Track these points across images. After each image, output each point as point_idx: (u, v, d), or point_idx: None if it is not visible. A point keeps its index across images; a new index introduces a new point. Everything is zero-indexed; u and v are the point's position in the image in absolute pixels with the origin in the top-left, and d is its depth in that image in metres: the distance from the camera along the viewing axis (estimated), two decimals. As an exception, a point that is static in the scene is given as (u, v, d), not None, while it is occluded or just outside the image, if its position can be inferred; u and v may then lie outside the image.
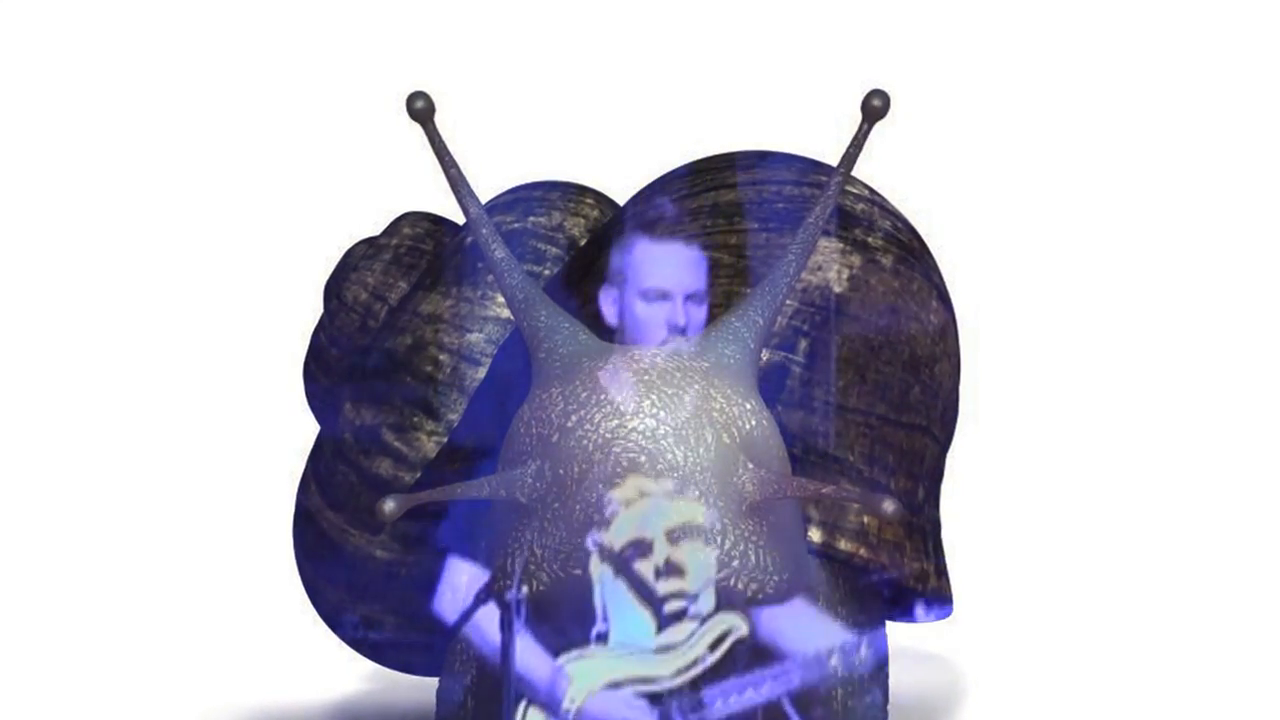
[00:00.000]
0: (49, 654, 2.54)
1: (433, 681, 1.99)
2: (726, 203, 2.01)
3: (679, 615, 1.61)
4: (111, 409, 3.07)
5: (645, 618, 1.61)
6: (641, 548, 1.61)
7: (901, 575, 1.91)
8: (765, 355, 1.88)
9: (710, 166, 2.08)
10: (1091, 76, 3.10)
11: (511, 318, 2.07)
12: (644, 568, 1.60)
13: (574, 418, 1.68)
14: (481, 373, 2.09)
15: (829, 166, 2.04)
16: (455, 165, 1.76)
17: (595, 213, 2.20)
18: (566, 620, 1.63)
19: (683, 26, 3.13)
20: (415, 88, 1.76)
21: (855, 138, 1.75)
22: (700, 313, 1.78)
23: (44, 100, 3.12)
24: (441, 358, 2.11)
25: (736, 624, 1.62)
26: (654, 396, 1.68)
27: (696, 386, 1.69)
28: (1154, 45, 3.10)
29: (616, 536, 1.61)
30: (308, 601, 2.27)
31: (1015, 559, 2.82)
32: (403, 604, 2.14)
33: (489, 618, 1.62)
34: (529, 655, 1.60)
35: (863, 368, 1.94)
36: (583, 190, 2.24)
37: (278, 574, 2.39)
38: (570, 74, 3.08)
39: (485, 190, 1.98)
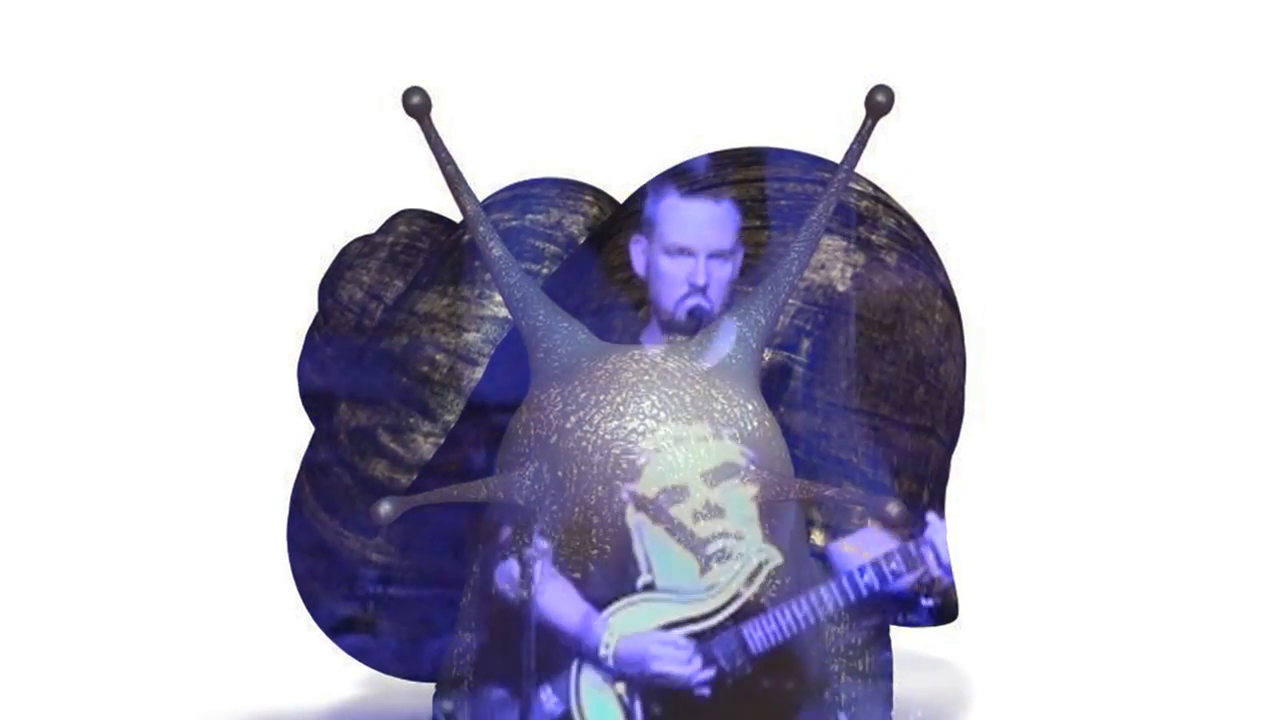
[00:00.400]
0: (42, 657, 2.54)
1: (427, 688, 1.99)
2: (728, 199, 2.01)
3: (723, 555, 1.62)
4: (100, 412, 3.07)
5: (688, 562, 1.62)
6: (677, 493, 1.62)
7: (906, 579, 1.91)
8: (767, 355, 1.88)
9: (711, 162, 2.08)
10: (1101, 70, 3.10)
11: (509, 317, 2.07)
12: (681, 512, 1.61)
13: (573, 418, 1.68)
14: (479, 373, 2.09)
15: (832, 163, 2.04)
16: (452, 161, 1.76)
17: (594, 210, 2.20)
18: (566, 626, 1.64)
19: (683, 20, 3.13)
20: (411, 82, 1.76)
21: (859, 134, 1.75)
22: (724, 270, 1.76)
23: (34, 98, 3.12)
24: (438, 358, 2.11)
25: (771, 554, 1.63)
26: (654, 397, 1.68)
27: (698, 387, 1.69)
28: (1162, 40, 3.10)
29: (650, 484, 1.62)
30: (302, 605, 2.27)
31: (1023, 563, 2.82)
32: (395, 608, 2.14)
33: (509, 572, 1.64)
34: (560, 600, 1.61)
35: (866, 368, 1.94)
36: (582, 187, 2.24)
37: (271, 578, 2.39)
38: (569, 68, 3.08)
39: (482, 187, 1.98)
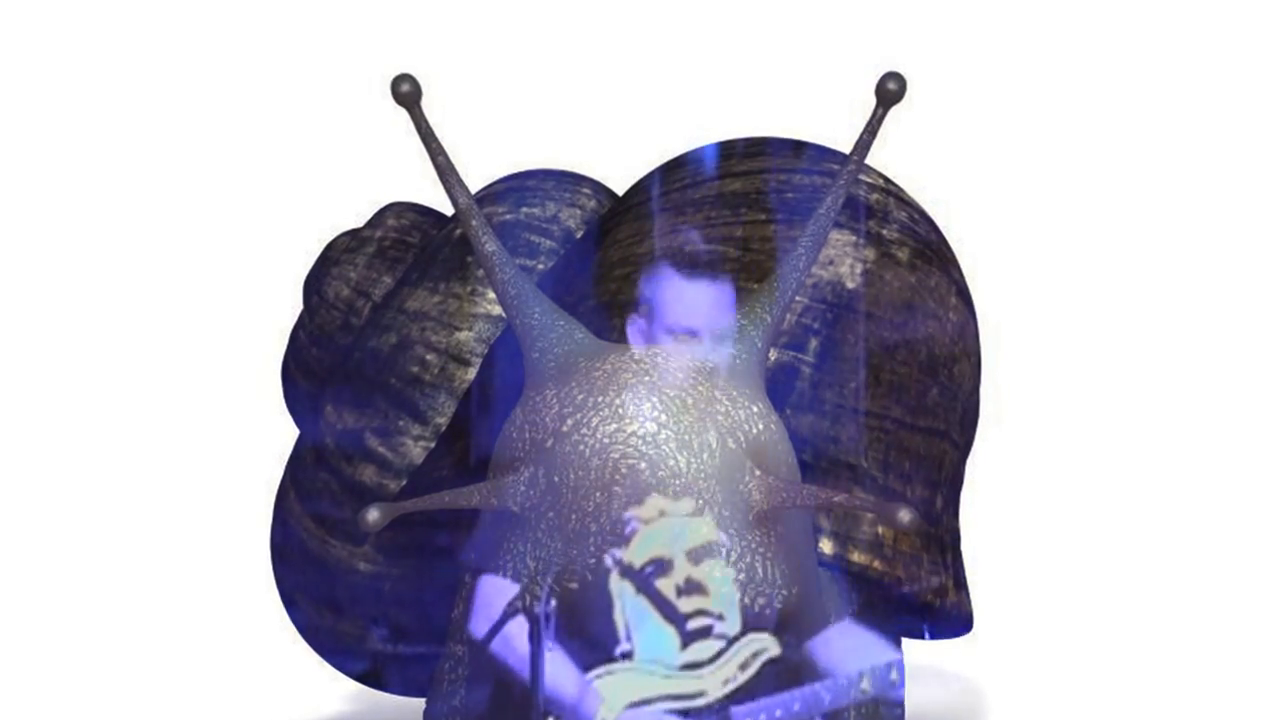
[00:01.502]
0: (19, 666, 2.54)
1: (415, 702, 1.99)
2: (731, 192, 2.01)
3: (704, 633, 1.65)
4: (74, 414, 3.07)
5: (669, 634, 1.65)
6: (662, 566, 1.65)
7: (918, 589, 1.91)
8: (773, 355, 1.88)
9: (714, 154, 2.08)
10: (1121, 55, 3.10)
11: (503, 315, 2.07)
12: (665, 586, 1.64)
13: (570, 421, 1.68)
14: (472, 373, 2.09)
15: (841, 154, 2.04)
16: (443, 152, 1.76)
17: (592, 203, 2.20)
18: (563, 637, 1.64)
19: (686, 4, 3.13)
20: (401, 70, 1.76)
21: (869, 123, 1.75)
22: (726, 349, 1.79)
23: (15, 90, 3.12)
24: (429, 357, 2.11)
25: (767, 644, 1.66)
26: (655, 399, 1.68)
27: (700, 388, 1.69)
28: (1184, 27, 3.10)
29: (637, 554, 1.64)
30: (286, 616, 2.27)
31: (1039, 572, 2.82)
32: (385, 618, 2.14)
33: (513, 631, 1.67)
34: (557, 669, 1.63)
35: (877, 368, 1.94)
36: (579, 179, 2.24)
37: (255, 588, 2.39)
38: (566, 56, 3.08)
39: (475, 179, 1.98)
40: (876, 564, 1.88)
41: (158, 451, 3.03)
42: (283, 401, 2.32)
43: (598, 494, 1.65)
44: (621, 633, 1.65)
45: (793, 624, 1.68)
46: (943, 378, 1.99)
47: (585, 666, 1.65)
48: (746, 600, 1.65)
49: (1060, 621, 2.75)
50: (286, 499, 2.23)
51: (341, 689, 2.40)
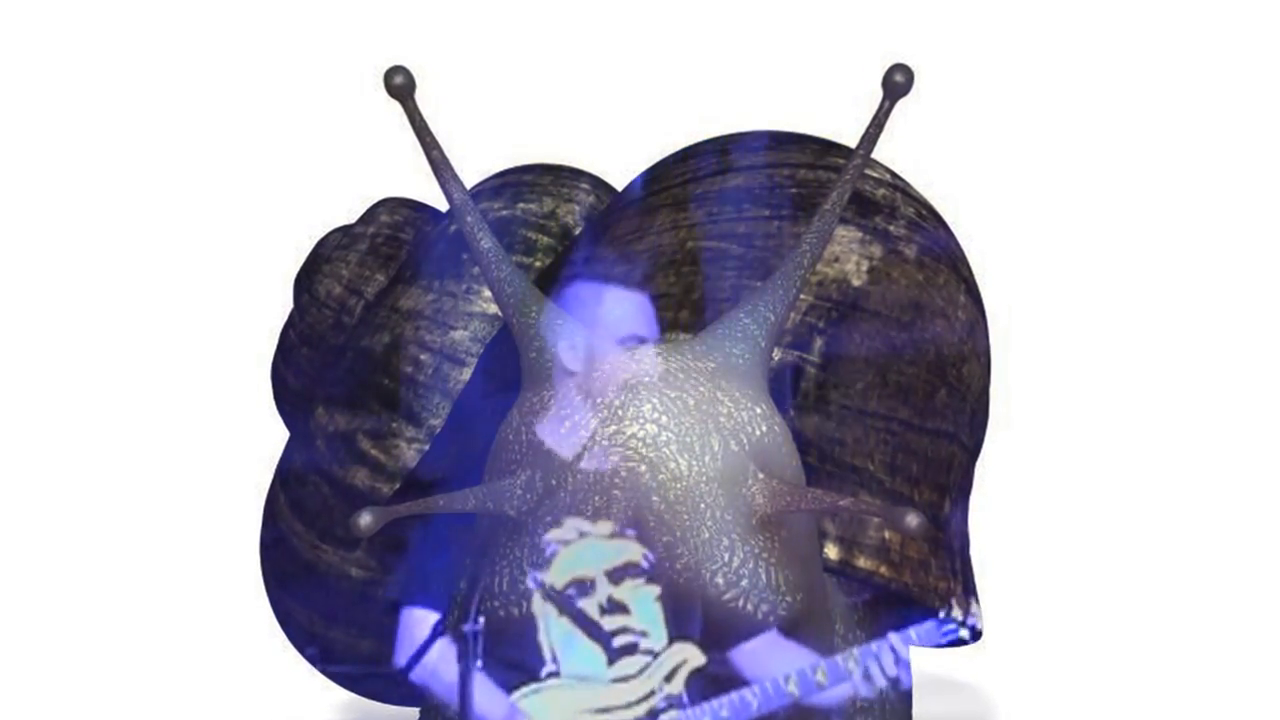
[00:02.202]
0: (9, 669, 2.54)
1: (409, 712, 1.99)
2: (734, 188, 2.01)
3: (629, 649, 1.68)
4: (58, 415, 3.07)
5: (594, 652, 1.68)
6: (583, 587, 1.68)
7: (926, 595, 1.91)
8: (777, 355, 1.88)
9: (716, 148, 2.08)
10: (1135, 45, 3.10)
11: (499, 313, 2.07)
12: (588, 605, 1.68)
13: (567, 423, 1.68)
14: (466, 373, 2.09)
15: (847, 148, 2.04)
16: (438, 146, 1.76)
17: (590, 198, 2.20)
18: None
19: (686, -5, 3.13)
20: (394, 62, 1.76)
21: (876, 116, 1.75)
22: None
23: (5, 88, 3.13)
24: (422, 357, 2.12)
25: (691, 654, 1.69)
26: (655, 400, 1.68)
27: (702, 389, 1.69)
28: (1199, 26, 3.10)
29: (558, 576, 1.67)
30: (276, 625, 2.27)
31: (1049, 578, 2.82)
32: (378, 627, 2.14)
33: (446, 655, 1.71)
34: (484, 692, 1.67)
35: (884, 368, 1.94)
36: (577, 174, 2.24)
37: (244, 594, 2.39)
38: (563, 48, 3.08)
39: (470, 174, 1.98)
40: (883, 569, 1.88)
41: (144, 454, 3.03)
42: (272, 403, 2.32)
43: (596, 497, 1.65)
44: (547, 653, 1.68)
45: (798, 630, 1.69)
46: (951, 378, 1.99)
47: (509, 687, 1.68)
48: (750, 606, 1.65)
49: (1071, 629, 2.75)
50: (276, 503, 2.23)
51: (333, 698, 2.40)
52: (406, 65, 1.75)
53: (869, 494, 1.89)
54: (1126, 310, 3.08)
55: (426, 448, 2.09)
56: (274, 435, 2.30)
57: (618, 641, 1.68)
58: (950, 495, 2.00)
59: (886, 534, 1.89)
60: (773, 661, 1.72)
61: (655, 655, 1.68)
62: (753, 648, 1.71)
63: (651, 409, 1.67)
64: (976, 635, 2.04)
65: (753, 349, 1.72)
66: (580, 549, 1.67)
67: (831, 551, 1.86)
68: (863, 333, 1.93)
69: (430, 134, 1.76)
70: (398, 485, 2.10)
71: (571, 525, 1.67)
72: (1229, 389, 3.06)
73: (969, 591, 2.00)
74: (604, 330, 1.76)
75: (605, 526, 1.66)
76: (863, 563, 1.87)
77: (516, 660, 1.68)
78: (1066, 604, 2.81)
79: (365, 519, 1.65)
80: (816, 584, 1.74)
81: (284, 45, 3.09)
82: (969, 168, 2.85)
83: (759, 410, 1.70)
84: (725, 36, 3.09)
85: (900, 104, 1.75)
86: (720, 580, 1.65)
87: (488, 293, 2.09)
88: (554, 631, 1.68)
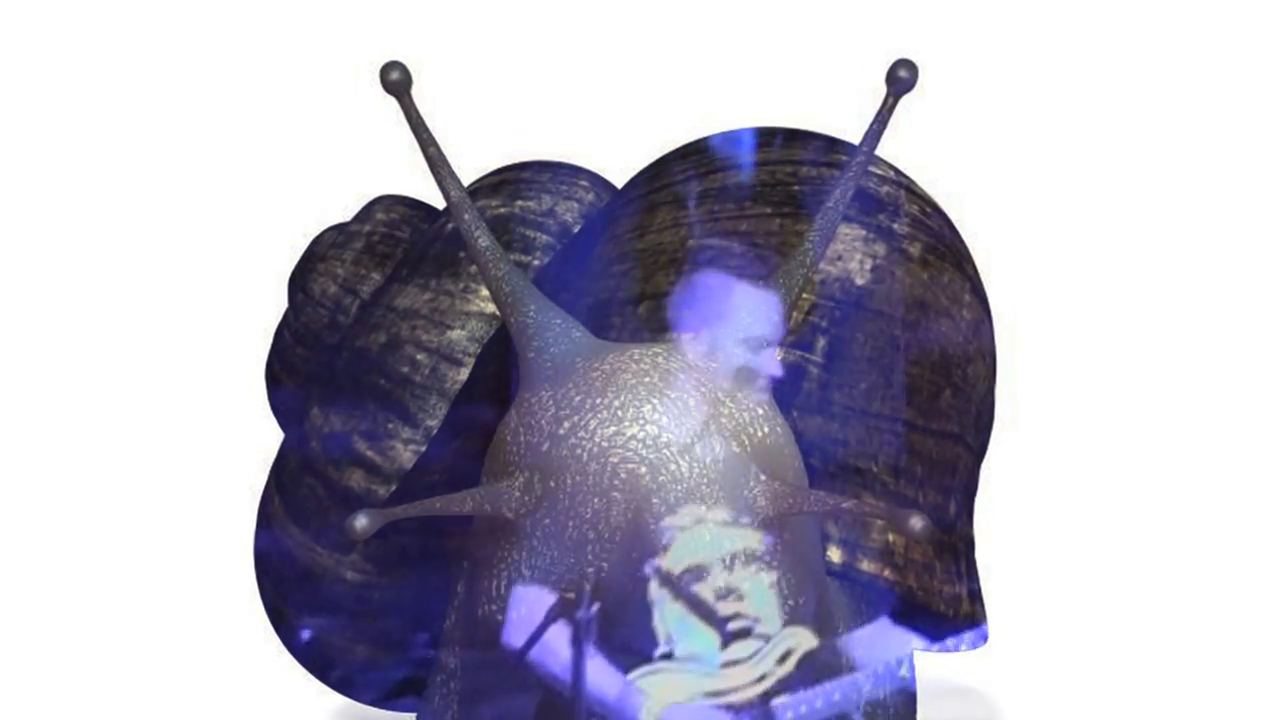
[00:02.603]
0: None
1: (405, 717, 1.99)
2: (736, 185, 2.01)
3: (743, 634, 1.68)
4: (47, 416, 3.07)
5: (709, 636, 1.68)
6: (699, 572, 1.67)
7: (931, 599, 1.91)
8: (779, 354, 1.88)
9: (718, 144, 2.08)
10: (1149, 37, 3.10)
11: (497, 313, 2.07)
12: (703, 591, 1.68)
13: (566, 424, 1.68)
14: (464, 374, 2.09)
15: (850, 144, 2.04)
16: (435, 143, 1.76)
17: (590, 196, 2.20)
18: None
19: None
20: (390, 57, 1.76)
21: (879, 112, 1.75)
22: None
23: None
24: (419, 357, 2.11)
25: (805, 638, 1.69)
26: (655, 400, 1.68)
27: (703, 389, 1.69)
28: (1214, 21, 3.10)
29: (675, 562, 1.67)
30: (270, 629, 2.27)
31: (1058, 582, 2.82)
32: (374, 632, 2.14)
33: (552, 638, 1.70)
34: (598, 673, 1.67)
35: (888, 369, 1.94)
36: (576, 171, 2.24)
37: (238, 598, 2.39)
38: (562, 43, 3.08)
39: (468, 171, 1.98)
40: (887, 573, 1.88)
41: (134, 457, 3.03)
42: (266, 404, 2.32)
43: (596, 500, 1.65)
44: (662, 636, 1.68)
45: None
46: (956, 379, 1.99)
47: (624, 669, 1.68)
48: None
49: (1079, 634, 2.75)
50: (270, 505, 2.23)
51: (328, 703, 2.40)
52: (403, 60, 1.75)
53: (872, 496, 1.89)
54: (1136, 309, 3.08)
55: (423, 449, 2.09)
56: (268, 436, 2.30)
57: (732, 626, 1.68)
58: (955, 497, 2.00)
59: (890, 537, 1.89)
60: (883, 645, 1.73)
61: (768, 639, 1.69)
62: (862, 635, 1.74)
63: (652, 410, 1.67)
64: (982, 640, 2.04)
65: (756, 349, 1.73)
66: (697, 535, 1.68)
67: (834, 554, 1.86)
68: (866, 332, 1.93)
69: (427, 130, 1.76)
70: (394, 487, 2.10)
71: (688, 512, 1.69)
72: (1242, 391, 3.06)
73: (975, 595, 2.00)
74: (730, 325, 1.76)
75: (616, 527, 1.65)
76: (866, 566, 1.87)
77: (630, 644, 1.68)
78: (1074, 608, 2.81)
79: (361, 521, 1.65)
80: (819, 587, 1.74)
81: (278, 39, 3.09)
82: (975, 164, 2.85)
83: (761, 411, 1.70)
84: (727, 31, 3.08)
85: (905, 99, 1.75)
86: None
87: (485, 292, 2.09)
88: (669, 616, 1.68)
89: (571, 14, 3.09)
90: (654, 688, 1.68)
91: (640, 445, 1.66)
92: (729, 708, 1.68)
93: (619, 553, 1.65)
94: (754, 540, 1.68)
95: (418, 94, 1.75)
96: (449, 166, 1.76)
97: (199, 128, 3.09)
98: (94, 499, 3.00)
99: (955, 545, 1.98)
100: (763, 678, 1.69)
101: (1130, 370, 3.06)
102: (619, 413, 1.67)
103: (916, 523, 1.58)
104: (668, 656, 1.68)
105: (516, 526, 1.68)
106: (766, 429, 1.70)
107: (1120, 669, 2.63)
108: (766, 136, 2.08)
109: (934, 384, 1.97)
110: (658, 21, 3.10)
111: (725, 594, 1.68)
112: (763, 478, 1.67)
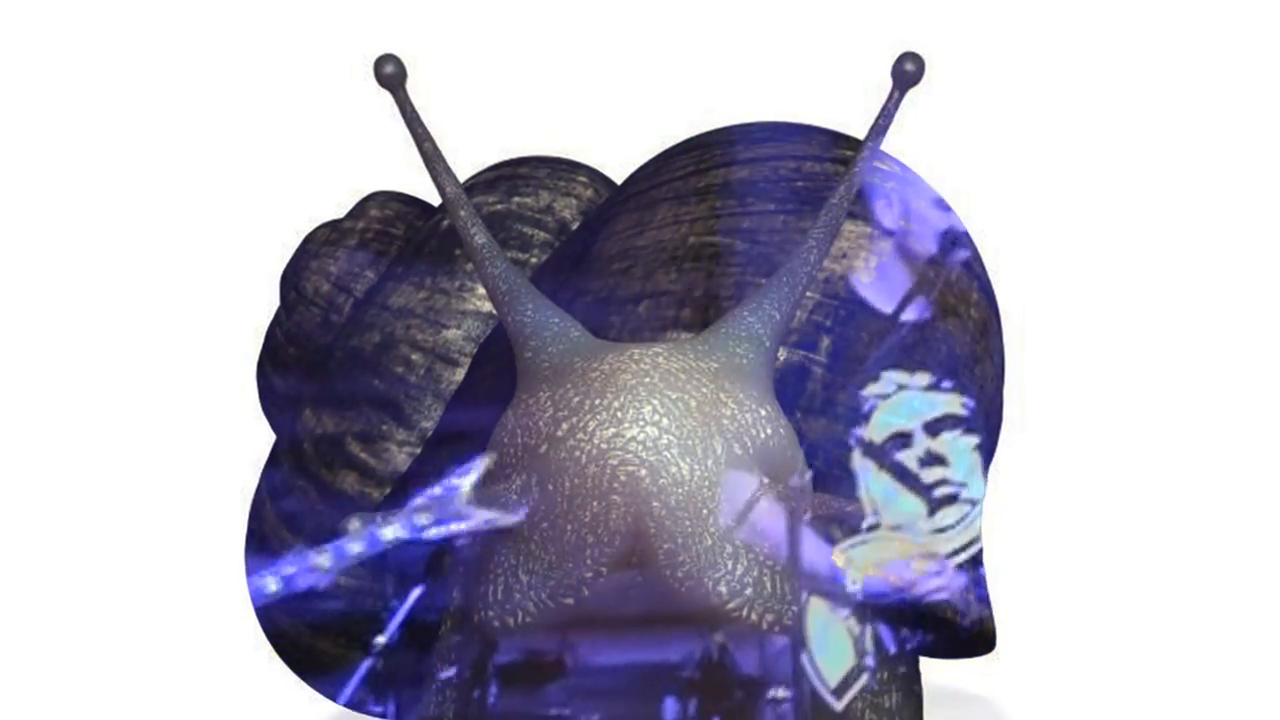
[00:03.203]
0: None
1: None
2: (738, 181, 2.01)
3: (949, 500, 1.74)
4: (35, 415, 3.07)
5: (916, 503, 1.74)
6: (902, 440, 1.74)
7: (937, 605, 1.91)
8: (782, 354, 1.87)
9: (719, 140, 2.08)
10: (1160, 30, 3.10)
11: (493, 312, 2.07)
12: (907, 458, 1.73)
13: (565, 425, 1.67)
14: (460, 373, 2.09)
15: (855, 139, 2.04)
16: (430, 138, 1.76)
17: (589, 192, 2.20)
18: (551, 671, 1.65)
19: (688, -19, 3.13)
20: (384, 50, 1.76)
21: (885, 107, 1.75)
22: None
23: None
24: (414, 357, 2.11)
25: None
26: (656, 401, 1.67)
27: (704, 390, 1.69)
28: (1225, 14, 3.10)
29: (877, 431, 1.74)
30: (262, 634, 2.27)
31: (1066, 587, 2.82)
32: (367, 638, 2.14)
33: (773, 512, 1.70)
34: (810, 547, 1.69)
35: (893, 369, 1.94)
36: (574, 167, 2.24)
37: (228, 603, 2.39)
38: (560, 36, 3.08)
39: (464, 166, 1.98)
40: (892, 577, 1.87)
41: (123, 458, 3.03)
42: (258, 404, 2.32)
43: (595, 503, 1.65)
44: (868, 506, 1.74)
45: (804, 639, 1.68)
46: (963, 379, 1.99)
47: (832, 542, 1.72)
48: (754, 615, 1.65)
49: (1088, 639, 2.75)
50: (262, 508, 2.23)
51: (320, 711, 2.40)
52: (397, 54, 1.75)
53: (878, 499, 1.89)
54: (1147, 309, 3.07)
55: (418, 451, 2.09)
56: (259, 437, 2.30)
57: (938, 493, 1.74)
58: (962, 500, 2.00)
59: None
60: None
61: (974, 504, 1.74)
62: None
63: (652, 411, 1.67)
64: (989, 644, 2.04)
65: (758, 349, 1.72)
66: (898, 402, 1.73)
67: (839, 559, 1.86)
68: (871, 332, 1.92)
69: (422, 125, 1.76)
70: (388, 490, 2.09)
71: (889, 378, 1.74)
72: (1254, 392, 3.05)
73: (982, 600, 2.00)
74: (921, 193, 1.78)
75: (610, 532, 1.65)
76: (871, 570, 1.87)
77: (839, 517, 1.71)
78: (1083, 613, 2.80)
79: (354, 524, 1.65)
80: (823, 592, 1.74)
81: (271, 33, 3.09)
82: (982, 160, 2.84)
83: (764, 412, 1.70)
84: (729, 24, 3.08)
85: (911, 94, 1.75)
86: (723, 589, 1.64)
87: (481, 290, 2.09)
88: (874, 486, 1.74)
89: (569, 7, 3.09)
90: (862, 557, 1.72)
91: (640, 447, 1.66)
92: (933, 572, 1.71)
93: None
94: (958, 404, 1.71)
95: (412, 88, 1.75)
96: (444, 162, 1.76)
97: (190, 122, 3.08)
98: (82, 499, 2.99)
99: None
100: (970, 543, 1.73)
101: (1142, 371, 3.05)
102: (618, 414, 1.67)
103: (922, 525, 1.59)
104: (875, 527, 1.73)
105: (514, 530, 1.67)
106: (770, 430, 1.69)
107: (1129, 675, 2.63)
108: (769, 131, 2.08)
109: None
110: (657, 15, 3.09)
111: (929, 460, 1.73)
112: (766, 480, 1.67)
